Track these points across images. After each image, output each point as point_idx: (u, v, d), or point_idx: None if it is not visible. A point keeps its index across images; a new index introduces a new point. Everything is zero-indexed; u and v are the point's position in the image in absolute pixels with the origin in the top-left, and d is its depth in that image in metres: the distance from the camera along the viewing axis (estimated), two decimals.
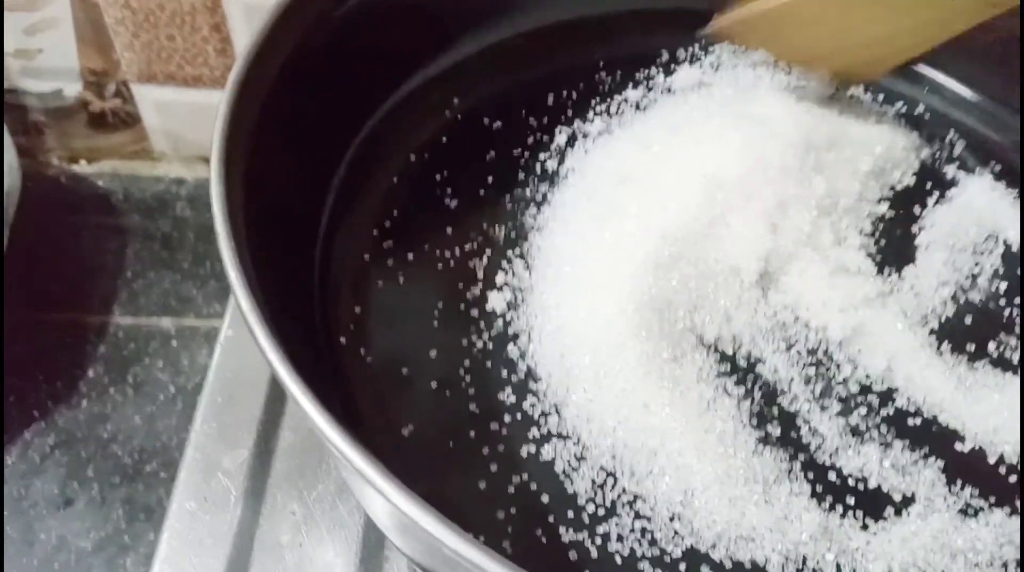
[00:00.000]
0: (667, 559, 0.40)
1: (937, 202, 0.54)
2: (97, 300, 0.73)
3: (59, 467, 0.64)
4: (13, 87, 0.77)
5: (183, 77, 0.75)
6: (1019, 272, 0.51)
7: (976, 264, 0.51)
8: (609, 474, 0.42)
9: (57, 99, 0.78)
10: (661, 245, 0.46)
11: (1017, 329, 0.49)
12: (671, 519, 0.41)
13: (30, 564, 0.59)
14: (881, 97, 0.59)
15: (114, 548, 0.61)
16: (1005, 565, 0.40)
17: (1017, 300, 0.50)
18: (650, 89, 0.57)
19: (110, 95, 0.78)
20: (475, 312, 0.47)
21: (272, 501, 0.49)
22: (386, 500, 0.31)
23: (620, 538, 0.40)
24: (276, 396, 0.54)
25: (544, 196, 0.52)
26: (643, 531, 0.41)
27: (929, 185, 0.55)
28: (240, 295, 0.34)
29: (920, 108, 0.59)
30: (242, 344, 0.57)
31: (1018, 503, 0.42)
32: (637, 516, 0.41)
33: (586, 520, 0.41)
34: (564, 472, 0.42)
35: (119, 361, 0.70)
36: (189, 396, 0.67)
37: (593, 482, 0.42)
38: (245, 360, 0.57)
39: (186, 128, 0.79)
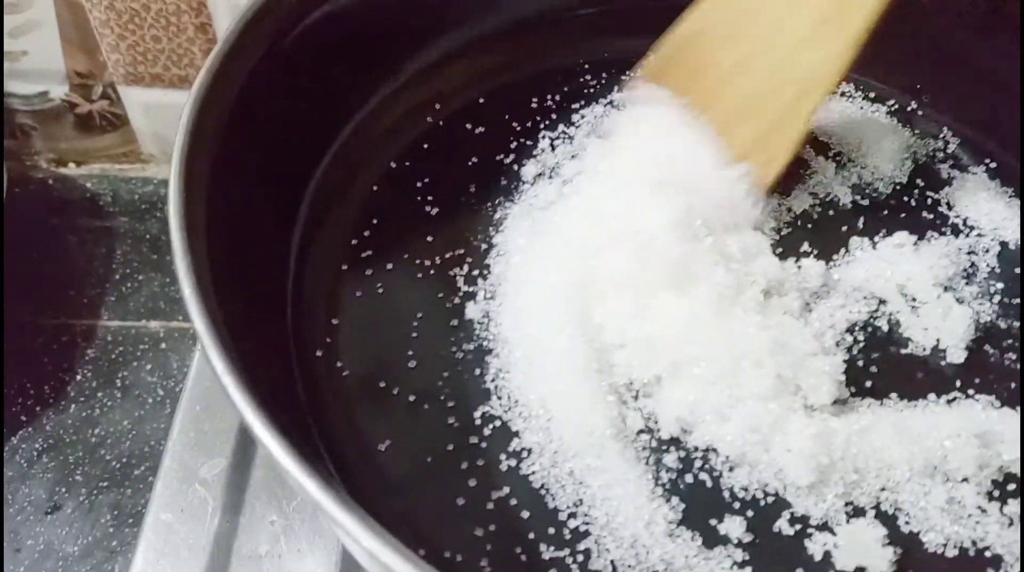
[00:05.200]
0: None
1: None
2: (85, 303, 0.72)
3: (46, 472, 0.63)
4: None
5: (170, 78, 0.74)
6: (1018, 270, 0.50)
7: (972, 264, 0.51)
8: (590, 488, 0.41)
9: (43, 101, 0.77)
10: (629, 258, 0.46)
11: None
12: None
13: (16, 571, 0.59)
14: (873, 95, 0.58)
15: (102, 554, 0.60)
16: None
17: (1013, 300, 0.49)
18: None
19: (97, 97, 0.77)
20: (455, 322, 0.47)
21: (250, 511, 0.49)
22: (359, 546, 0.29)
23: (602, 555, 0.40)
24: None
25: (526, 204, 0.51)
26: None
27: (923, 183, 0.54)
28: (193, 308, 0.33)
29: (913, 105, 0.58)
30: None
31: None
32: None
33: (567, 536, 0.40)
34: (544, 487, 0.41)
35: (107, 364, 0.69)
36: (177, 400, 0.66)
37: (575, 497, 0.41)
38: None
39: (174, 130, 0.77)
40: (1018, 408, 0.44)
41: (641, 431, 0.43)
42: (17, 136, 0.79)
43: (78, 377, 0.68)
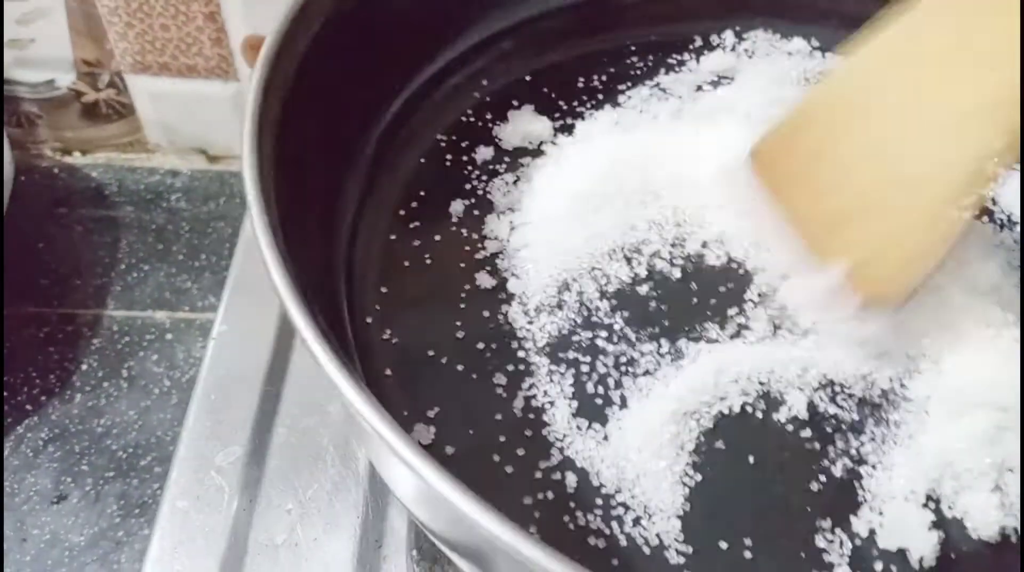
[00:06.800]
0: (696, 550, 0.39)
1: None
2: (91, 293, 0.71)
3: (52, 462, 0.62)
4: (5, 78, 0.75)
5: (177, 67, 0.74)
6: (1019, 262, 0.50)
7: (994, 246, 0.50)
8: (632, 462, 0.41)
9: (50, 90, 0.77)
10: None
11: None
12: None
13: (23, 561, 0.58)
14: None
15: (108, 544, 0.59)
16: None
17: None
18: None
19: (104, 86, 0.77)
20: (502, 295, 0.47)
21: (266, 499, 0.48)
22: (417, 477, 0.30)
23: (648, 528, 0.40)
24: (270, 392, 0.53)
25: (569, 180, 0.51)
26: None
27: None
28: (275, 275, 0.34)
29: None
30: (236, 339, 0.56)
31: None
32: None
33: (614, 505, 0.40)
34: (593, 457, 0.41)
35: (113, 355, 0.68)
36: (184, 390, 0.66)
37: (621, 468, 0.41)
38: (238, 355, 0.55)
39: (180, 119, 0.78)
40: None
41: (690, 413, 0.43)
42: (23, 124, 0.78)
43: (84, 367, 0.67)
